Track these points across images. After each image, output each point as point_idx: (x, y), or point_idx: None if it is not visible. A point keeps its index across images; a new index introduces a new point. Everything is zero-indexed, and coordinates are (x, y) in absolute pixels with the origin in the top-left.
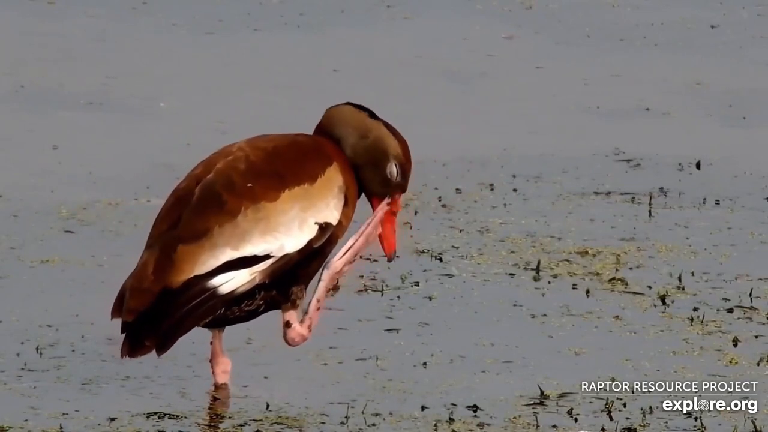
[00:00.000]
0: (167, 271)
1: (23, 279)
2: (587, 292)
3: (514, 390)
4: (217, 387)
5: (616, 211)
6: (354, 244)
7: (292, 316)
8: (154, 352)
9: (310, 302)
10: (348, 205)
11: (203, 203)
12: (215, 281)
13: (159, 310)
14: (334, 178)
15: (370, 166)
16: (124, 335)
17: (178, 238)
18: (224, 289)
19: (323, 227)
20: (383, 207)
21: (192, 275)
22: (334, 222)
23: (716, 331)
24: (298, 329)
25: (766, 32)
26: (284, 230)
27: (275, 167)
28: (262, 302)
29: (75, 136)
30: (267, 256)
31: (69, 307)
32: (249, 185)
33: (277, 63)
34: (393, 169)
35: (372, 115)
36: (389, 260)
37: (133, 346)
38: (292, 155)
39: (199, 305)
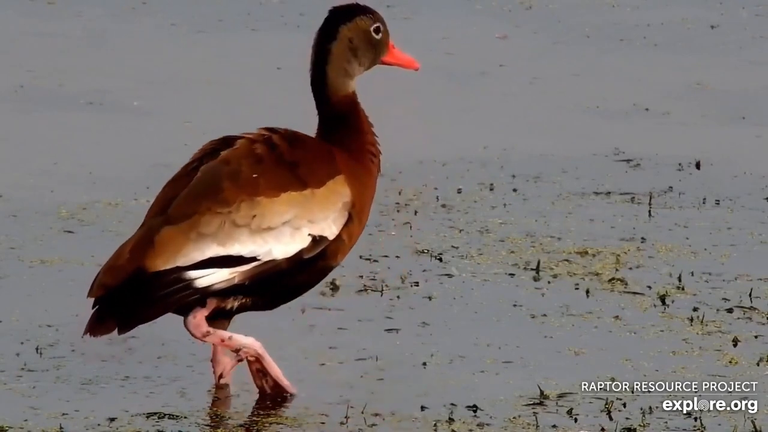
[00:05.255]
0: (147, 252)
1: (23, 279)
2: (587, 292)
3: (514, 390)
4: (217, 387)
5: (616, 211)
6: (273, 370)
7: (199, 313)
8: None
9: (227, 333)
10: (353, 222)
11: (201, 186)
12: (193, 273)
13: (130, 291)
14: (341, 191)
15: (371, 48)
16: (92, 312)
17: (166, 218)
18: (201, 283)
19: (317, 239)
20: None
21: (174, 265)
22: (331, 236)
23: (716, 331)
24: (199, 326)
25: (765, 32)
26: (275, 234)
27: (293, 157)
28: (237, 303)
29: (75, 136)
30: (253, 259)
31: (69, 307)
32: (254, 176)
33: (276, 63)
34: (377, 29)
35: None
36: (419, 68)
37: (95, 325)
38: (310, 153)
39: (172, 294)
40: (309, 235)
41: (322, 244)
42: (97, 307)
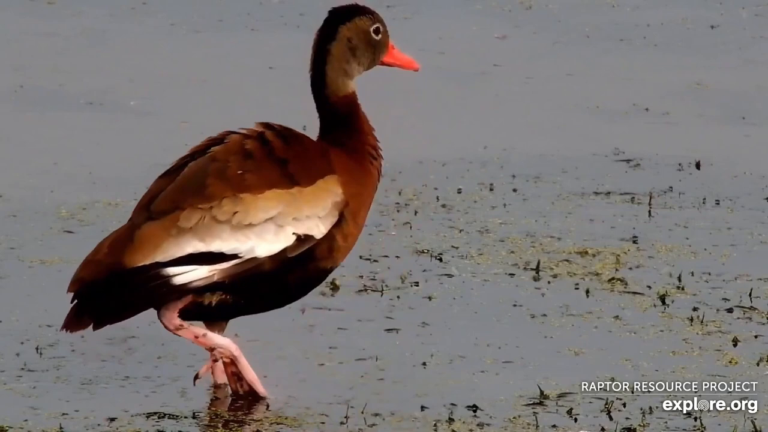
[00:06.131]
0: (125, 247)
1: (23, 279)
2: (587, 292)
3: (514, 390)
4: (217, 387)
5: (616, 211)
6: (246, 373)
7: (172, 306)
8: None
9: (201, 330)
10: (347, 222)
11: (186, 182)
12: (171, 270)
13: (107, 286)
14: (332, 190)
15: (370, 48)
16: (70, 307)
17: (148, 214)
18: (179, 281)
19: (302, 238)
20: None
21: (152, 261)
22: (318, 236)
23: (716, 331)
24: (172, 318)
25: (765, 32)
26: (258, 231)
27: (285, 154)
28: (215, 298)
29: (75, 136)
30: (234, 256)
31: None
32: (240, 172)
33: (276, 63)
34: (376, 29)
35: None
36: (419, 68)
37: (72, 320)
38: (303, 151)
39: (150, 291)
40: (294, 233)
41: (308, 243)
42: (75, 302)
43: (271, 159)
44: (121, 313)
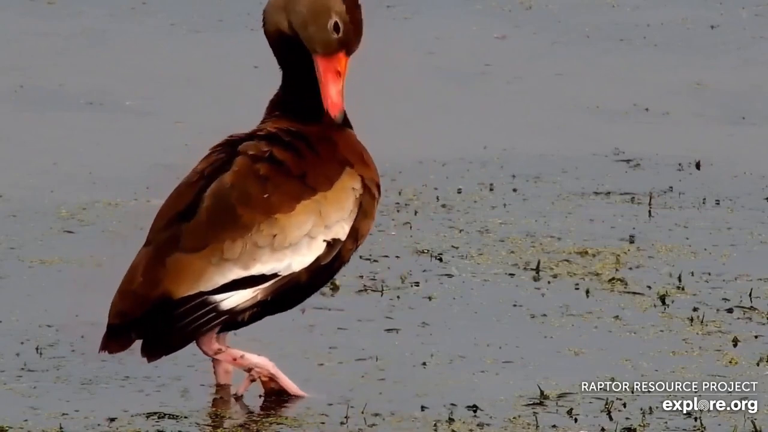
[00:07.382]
0: (167, 279)
1: (23, 279)
2: (587, 292)
3: (514, 390)
4: (218, 387)
5: (616, 211)
6: (279, 376)
7: (210, 331)
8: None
9: (239, 352)
10: (368, 205)
11: (215, 215)
12: (218, 297)
13: (154, 319)
14: (350, 185)
15: (312, 23)
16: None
17: (182, 246)
18: (227, 305)
19: (331, 243)
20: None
21: (197, 291)
22: (343, 237)
23: (716, 331)
24: (210, 343)
25: (765, 32)
26: (294, 248)
27: (300, 169)
28: (248, 313)
29: (75, 136)
30: (273, 275)
31: (69, 307)
32: (266, 195)
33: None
34: (332, 25)
35: None
36: (335, 119)
37: (110, 343)
38: (315, 156)
39: (199, 319)
40: (324, 241)
41: (336, 247)
42: (113, 333)
43: (289, 177)
44: (175, 343)
